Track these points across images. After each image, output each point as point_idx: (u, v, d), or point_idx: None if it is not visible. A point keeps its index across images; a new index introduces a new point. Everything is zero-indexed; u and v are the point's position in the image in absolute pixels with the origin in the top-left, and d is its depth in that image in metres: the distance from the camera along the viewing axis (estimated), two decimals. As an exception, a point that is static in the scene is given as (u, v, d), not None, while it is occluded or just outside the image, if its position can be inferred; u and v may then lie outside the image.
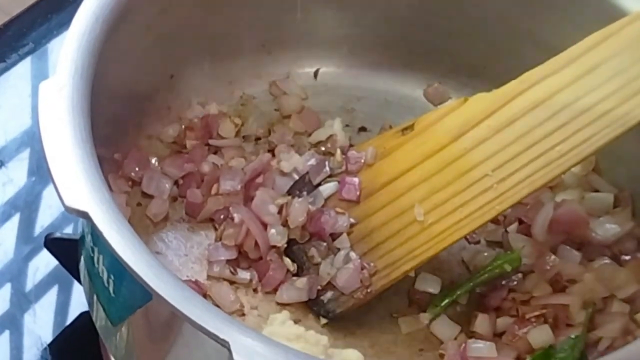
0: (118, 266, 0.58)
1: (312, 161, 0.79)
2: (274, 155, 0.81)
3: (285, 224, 0.74)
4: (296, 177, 0.79)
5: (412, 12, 0.86)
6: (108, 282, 0.63)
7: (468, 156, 0.70)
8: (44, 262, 0.83)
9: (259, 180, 0.78)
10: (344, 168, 0.76)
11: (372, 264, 0.72)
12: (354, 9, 0.86)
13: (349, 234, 0.74)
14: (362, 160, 0.75)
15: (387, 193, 0.73)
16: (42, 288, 0.83)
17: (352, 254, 0.73)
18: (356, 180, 0.75)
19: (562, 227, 0.76)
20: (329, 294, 0.73)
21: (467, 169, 0.70)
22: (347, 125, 0.86)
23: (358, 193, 0.75)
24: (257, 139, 0.84)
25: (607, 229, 0.77)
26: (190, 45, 0.81)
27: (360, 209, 0.74)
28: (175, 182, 0.79)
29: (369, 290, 0.72)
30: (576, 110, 0.68)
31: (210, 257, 0.75)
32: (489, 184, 0.70)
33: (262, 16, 0.84)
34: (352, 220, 0.74)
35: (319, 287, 0.73)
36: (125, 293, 0.63)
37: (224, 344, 0.54)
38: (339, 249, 0.74)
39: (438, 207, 0.71)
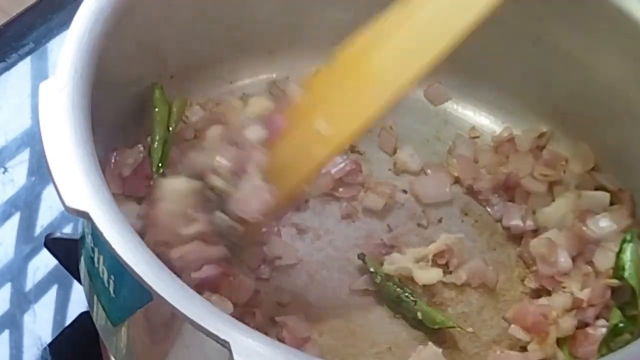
0: (118, 266, 0.58)
1: None
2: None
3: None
4: None
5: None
6: (108, 282, 0.63)
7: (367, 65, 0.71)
8: (44, 262, 0.83)
9: None
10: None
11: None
12: (354, 9, 0.86)
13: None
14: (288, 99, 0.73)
15: (299, 124, 0.72)
16: (42, 288, 0.83)
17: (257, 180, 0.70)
18: (279, 118, 0.73)
19: None
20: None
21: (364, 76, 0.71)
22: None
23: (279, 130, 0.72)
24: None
25: (602, 226, 0.77)
26: (190, 45, 0.81)
27: (279, 145, 0.72)
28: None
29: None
30: None
31: None
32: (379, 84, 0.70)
33: (263, 16, 0.84)
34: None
35: None
36: (125, 293, 0.63)
37: (225, 345, 0.54)
38: None
39: (337, 117, 0.70)
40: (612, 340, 0.70)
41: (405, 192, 0.83)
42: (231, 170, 0.70)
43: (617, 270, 0.73)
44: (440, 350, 0.71)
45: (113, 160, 0.75)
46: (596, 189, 0.81)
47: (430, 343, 0.71)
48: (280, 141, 0.72)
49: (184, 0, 0.78)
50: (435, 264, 0.77)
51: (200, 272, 0.68)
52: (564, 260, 0.76)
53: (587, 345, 0.71)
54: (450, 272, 0.77)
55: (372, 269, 0.76)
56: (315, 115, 0.71)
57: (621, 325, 0.70)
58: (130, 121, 0.78)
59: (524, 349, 0.72)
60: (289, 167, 0.71)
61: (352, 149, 0.85)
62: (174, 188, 0.69)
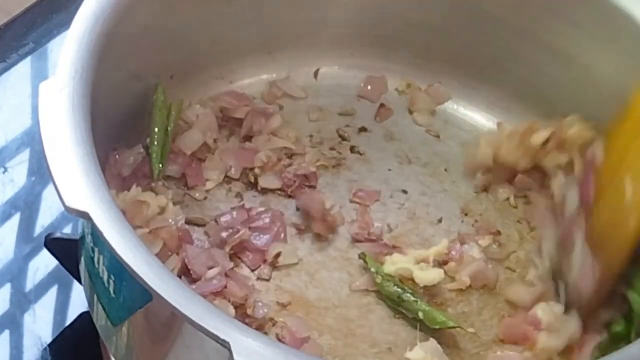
0: (118, 266, 0.58)
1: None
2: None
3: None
4: None
5: (412, 12, 0.86)
6: (108, 282, 0.63)
7: None
8: (44, 262, 0.83)
9: None
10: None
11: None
12: (354, 9, 0.86)
13: None
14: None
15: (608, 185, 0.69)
16: (42, 288, 0.83)
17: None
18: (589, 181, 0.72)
19: None
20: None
21: None
22: (347, 126, 0.86)
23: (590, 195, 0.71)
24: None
25: None
26: (190, 45, 0.81)
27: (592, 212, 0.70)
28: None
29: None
30: None
31: None
32: None
33: (262, 16, 0.84)
34: None
35: None
36: (125, 293, 0.63)
37: (225, 345, 0.54)
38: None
39: None
40: (609, 344, 0.70)
41: (405, 192, 0.83)
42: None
43: None
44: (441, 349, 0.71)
45: (113, 160, 0.75)
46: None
47: (431, 338, 0.72)
48: (593, 207, 0.69)
49: (184, 0, 0.78)
50: (436, 263, 0.77)
51: (209, 283, 0.70)
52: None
53: (583, 348, 0.71)
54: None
55: (372, 269, 0.76)
56: (622, 172, 0.67)
57: (618, 329, 0.70)
58: (130, 121, 0.78)
59: (523, 349, 0.73)
60: (604, 238, 0.68)
61: (352, 149, 0.85)
62: None
